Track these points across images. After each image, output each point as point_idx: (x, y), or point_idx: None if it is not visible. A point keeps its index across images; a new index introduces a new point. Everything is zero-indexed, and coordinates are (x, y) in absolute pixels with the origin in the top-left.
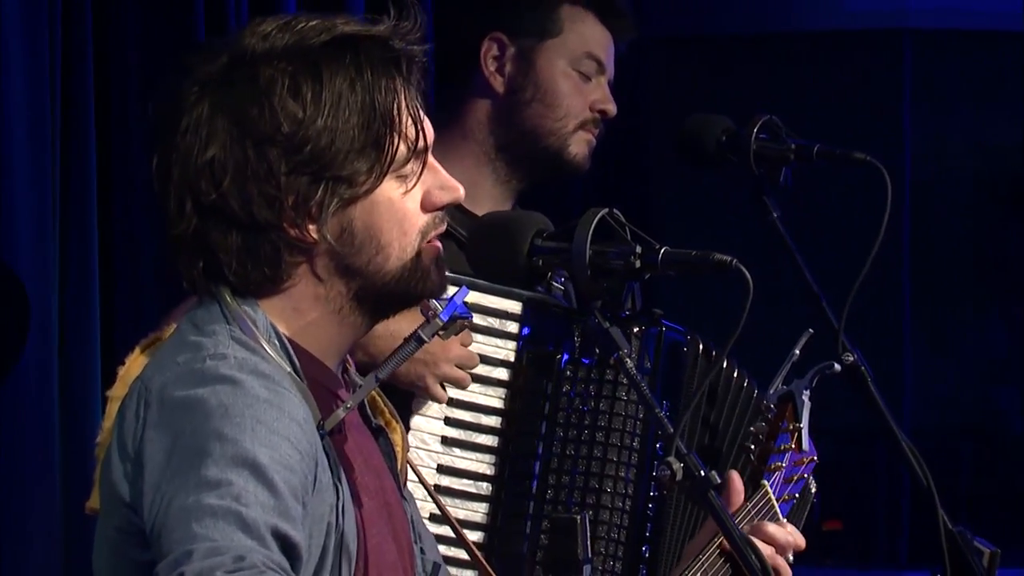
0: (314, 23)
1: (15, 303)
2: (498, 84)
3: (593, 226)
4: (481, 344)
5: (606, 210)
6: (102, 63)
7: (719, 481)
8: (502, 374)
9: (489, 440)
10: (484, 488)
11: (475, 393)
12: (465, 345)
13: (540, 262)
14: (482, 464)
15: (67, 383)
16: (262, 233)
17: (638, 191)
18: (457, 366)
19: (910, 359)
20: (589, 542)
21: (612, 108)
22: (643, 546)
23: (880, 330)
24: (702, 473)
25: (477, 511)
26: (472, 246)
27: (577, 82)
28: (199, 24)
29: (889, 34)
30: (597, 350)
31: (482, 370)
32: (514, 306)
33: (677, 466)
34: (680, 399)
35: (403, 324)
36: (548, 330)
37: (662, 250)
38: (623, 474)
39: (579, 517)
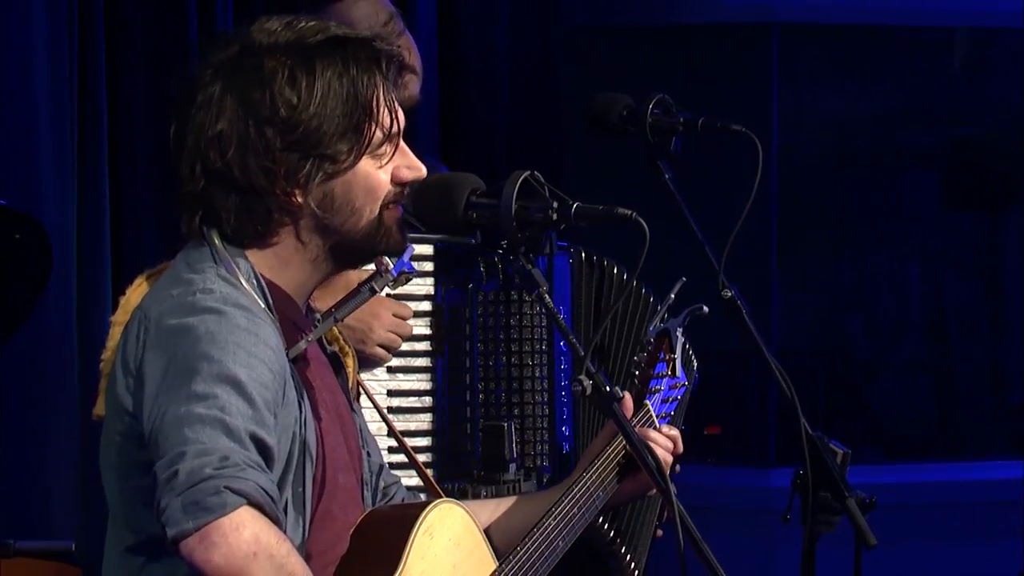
0: (312, 24)
1: (40, 246)
2: None
3: (518, 185)
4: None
5: (528, 172)
6: (111, 34)
7: (622, 395)
8: (426, 306)
9: (424, 361)
10: (427, 401)
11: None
12: (403, 317)
13: (474, 215)
14: (422, 382)
15: (83, 311)
16: (257, 197)
17: (554, 158)
18: (392, 331)
19: (776, 294)
20: (515, 444)
21: None
22: (563, 427)
23: (752, 270)
24: (608, 389)
25: (424, 421)
26: (417, 201)
27: None
28: None
29: (760, 27)
30: (501, 277)
31: (411, 305)
32: (427, 249)
33: (587, 383)
34: (573, 307)
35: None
36: (458, 265)
37: (575, 205)
38: (538, 374)
39: (506, 424)
